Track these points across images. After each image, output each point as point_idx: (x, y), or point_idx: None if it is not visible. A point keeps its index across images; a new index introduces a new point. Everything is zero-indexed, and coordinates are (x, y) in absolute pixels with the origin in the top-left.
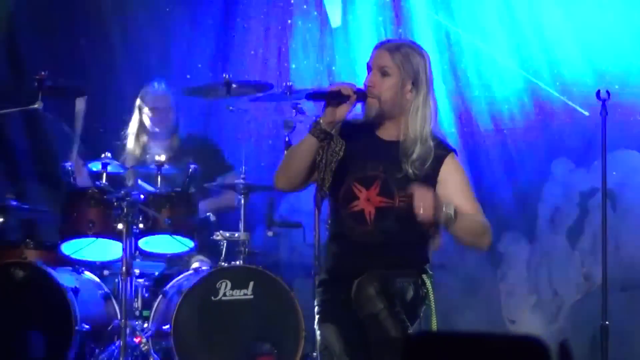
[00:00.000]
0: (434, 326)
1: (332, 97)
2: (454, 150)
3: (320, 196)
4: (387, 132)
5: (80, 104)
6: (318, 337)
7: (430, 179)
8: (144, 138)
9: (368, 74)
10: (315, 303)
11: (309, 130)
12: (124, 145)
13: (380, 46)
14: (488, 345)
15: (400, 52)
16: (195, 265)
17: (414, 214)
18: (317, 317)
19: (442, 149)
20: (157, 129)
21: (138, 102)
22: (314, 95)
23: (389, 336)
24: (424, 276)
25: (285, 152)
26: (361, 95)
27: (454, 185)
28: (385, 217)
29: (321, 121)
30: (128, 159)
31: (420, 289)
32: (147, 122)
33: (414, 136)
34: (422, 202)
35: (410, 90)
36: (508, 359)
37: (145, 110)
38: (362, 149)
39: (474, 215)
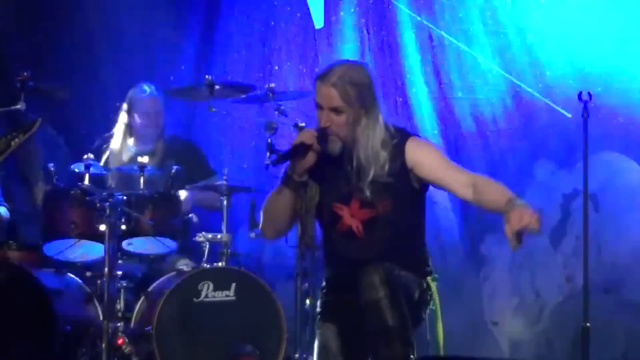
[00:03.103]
0: (440, 331)
1: (298, 152)
2: (411, 135)
3: (304, 243)
4: (347, 153)
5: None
6: (317, 337)
7: (399, 174)
8: (130, 140)
9: (317, 110)
10: (318, 305)
11: (283, 183)
12: (108, 146)
13: (323, 81)
14: None
15: (344, 83)
16: (176, 267)
17: (400, 214)
18: (317, 317)
19: (400, 143)
20: (145, 132)
21: (126, 105)
22: (280, 159)
23: (386, 324)
24: (429, 279)
25: (263, 206)
26: (322, 138)
27: (432, 163)
28: (374, 227)
29: (292, 175)
30: (112, 160)
31: (425, 292)
32: (136, 125)
33: (366, 158)
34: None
35: (363, 117)
36: None
37: (135, 114)
38: (332, 176)
39: (491, 182)
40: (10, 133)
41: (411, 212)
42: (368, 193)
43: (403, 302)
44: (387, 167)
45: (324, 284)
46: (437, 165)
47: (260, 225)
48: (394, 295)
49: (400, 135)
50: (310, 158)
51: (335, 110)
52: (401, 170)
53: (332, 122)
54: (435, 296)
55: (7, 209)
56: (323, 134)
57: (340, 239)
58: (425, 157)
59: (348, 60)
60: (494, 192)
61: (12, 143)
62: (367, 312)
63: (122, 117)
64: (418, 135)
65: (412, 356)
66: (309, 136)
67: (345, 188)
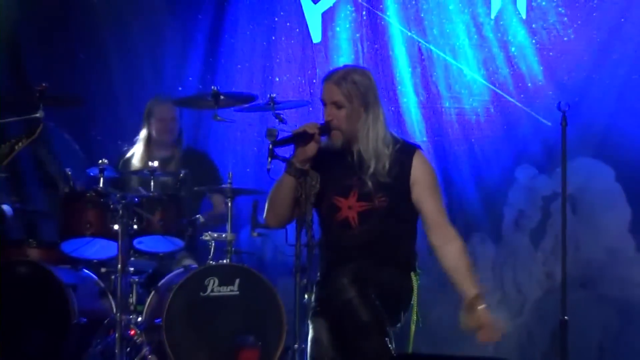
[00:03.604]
0: (413, 323)
1: (299, 139)
2: (418, 147)
3: (302, 224)
4: (348, 147)
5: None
6: (310, 331)
7: (400, 180)
8: (150, 147)
9: (324, 107)
10: (312, 300)
11: (285, 170)
12: (132, 152)
13: (327, 80)
14: None
15: (347, 83)
16: (183, 263)
17: (394, 212)
18: (310, 312)
19: (407, 151)
20: (162, 138)
21: (146, 114)
22: (281, 142)
23: (362, 320)
24: (412, 274)
25: (268, 195)
26: (325, 130)
27: (424, 188)
28: (368, 218)
29: (294, 161)
30: (133, 165)
31: (408, 286)
32: (153, 131)
33: (368, 154)
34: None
35: (363, 112)
36: None
37: (152, 121)
38: (335, 169)
39: (466, 265)
40: (14, 137)
41: (404, 213)
42: (370, 184)
43: (373, 298)
44: (387, 166)
45: (318, 278)
46: (430, 193)
47: (265, 214)
48: (363, 293)
49: (405, 144)
50: (312, 147)
51: (337, 105)
52: (403, 179)
53: (333, 115)
54: (415, 292)
55: (10, 206)
56: (326, 127)
57: (336, 229)
58: (424, 180)
59: (352, 65)
60: (460, 271)
61: (16, 147)
62: (343, 312)
63: (144, 126)
64: (421, 149)
65: (390, 345)
66: (311, 127)
67: (346, 181)
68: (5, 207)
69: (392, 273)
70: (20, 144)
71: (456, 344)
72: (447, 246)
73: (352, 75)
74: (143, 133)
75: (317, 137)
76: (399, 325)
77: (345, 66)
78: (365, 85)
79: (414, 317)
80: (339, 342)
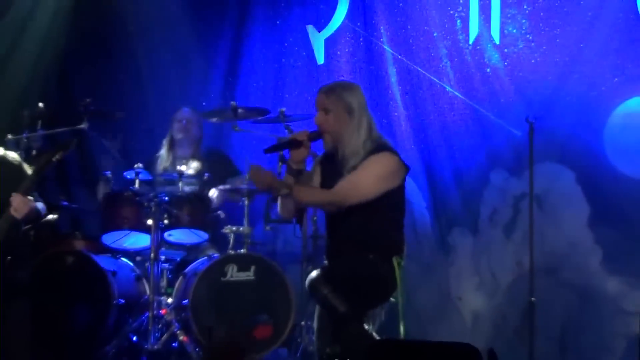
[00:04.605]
0: (400, 303)
1: (290, 145)
2: (386, 149)
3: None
4: (337, 150)
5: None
6: (317, 307)
7: None
8: (174, 147)
9: (317, 113)
10: None
11: (286, 172)
12: (160, 154)
13: (320, 91)
14: (434, 350)
15: (333, 92)
16: (206, 253)
17: (368, 205)
18: None
19: (372, 151)
20: (180, 137)
21: (171, 121)
22: (273, 149)
23: (339, 312)
24: (395, 260)
25: None
26: (315, 135)
27: (357, 170)
28: (350, 209)
29: (290, 163)
30: (160, 165)
31: (389, 269)
32: (174, 134)
33: (348, 153)
34: (254, 178)
35: (347, 118)
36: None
37: (174, 124)
38: (330, 167)
39: (321, 192)
40: (51, 150)
41: (377, 205)
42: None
43: (347, 290)
44: (359, 164)
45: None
46: (351, 175)
47: (278, 209)
48: (335, 288)
49: (377, 146)
50: (303, 151)
51: (325, 110)
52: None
53: (322, 120)
54: (397, 274)
55: (44, 205)
56: (316, 133)
57: (329, 217)
58: (365, 164)
59: (342, 80)
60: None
61: (53, 158)
62: (323, 305)
63: (169, 132)
64: (392, 151)
65: (367, 327)
66: (300, 134)
67: (334, 178)
68: (39, 205)
69: (370, 260)
70: (57, 156)
71: (439, 323)
72: None
73: (339, 87)
74: (167, 138)
75: (307, 142)
76: (385, 304)
77: (335, 81)
78: (350, 96)
79: (400, 299)
80: (322, 332)
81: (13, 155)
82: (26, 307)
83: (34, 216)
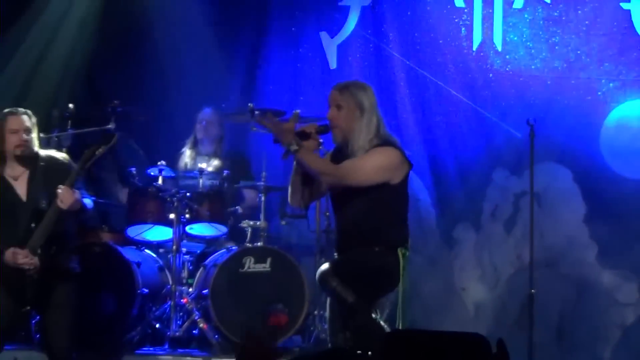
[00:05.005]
0: (401, 293)
1: (299, 137)
2: (386, 145)
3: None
4: (347, 145)
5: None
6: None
7: None
8: (196, 145)
9: (329, 109)
10: None
11: (295, 163)
12: (182, 152)
13: (334, 88)
14: (446, 340)
15: (347, 90)
16: (225, 245)
17: (372, 197)
18: None
19: (380, 145)
20: (202, 136)
21: (195, 121)
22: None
23: (348, 302)
24: (399, 251)
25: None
26: (324, 129)
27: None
28: (355, 202)
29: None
30: (182, 163)
31: (394, 259)
32: (197, 132)
33: (358, 147)
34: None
35: (357, 115)
36: (461, 350)
37: (197, 124)
38: (339, 161)
39: (324, 161)
40: (94, 145)
41: (382, 197)
42: None
43: (354, 282)
44: None
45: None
46: (356, 158)
47: (289, 199)
48: (344, 280)
49: (383, 142)
50: (311, 143)
51: (338, 107)
52: None
53: (334, 115)
54: (402, 265)
55: (92, 200)
56: (325, 127)
57: (336, 210)
58: (362, 155)
59: (357, 81)
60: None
61: (96, 153)
62: (332, 298)
63: (193, 131)
64: (396, 147)
65: (374, 315)
66: (309, 127)
67: None
68: (87, 202)
69: (376, 252)
70: (100, 150)
71: (444, 312)
72: None
73: (352, 86)
74: (191, 137)
75: (314, 135)
76: (390, 293)
77: (350, 80)
78: (362, 94)
79: (401, 288)
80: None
81: (60, 154)
82: (74, 294)
83: (79, 208)
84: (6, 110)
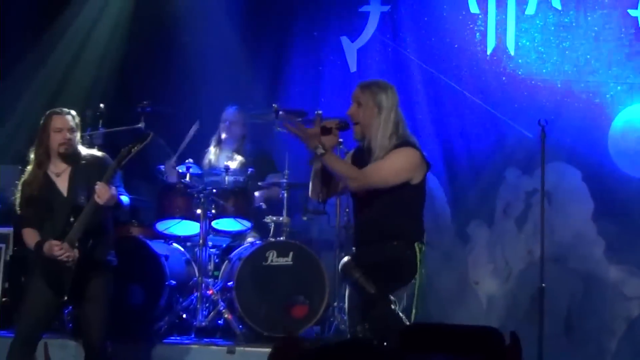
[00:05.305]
0: (417, 286)
1: (320, 131)
2: (406, 146)
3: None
4: (365, 142)
5: (193, 129)
6: (347, 289)
7: None
8: (221, 144)
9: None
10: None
11: (316, 157)
12: (208, 150)
13: (357, 86)
14: (460, 333)
15: (368, 89)
16: (249, 240)
17: (392, 194)
18: None
19: (399, 145)
20: (225, 135)
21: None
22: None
23: (369, 293)
24: (415, 244)
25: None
26: (344, 125)
27: (381, 160)
28: (374, 199)
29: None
30: (207, 160)
31: (411, 253)
32: (221, 131)
33: (374, 145)
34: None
35: (375, 113)
36: (476, 343)
37: (221, 124)
38: (360, 159)
39: (349, 166)
40: (130, 143)
41: (400, 194)
42: None
43: (375, 273)
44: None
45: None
46: (382, 160)
47: (309, 192)
48: (366, 272)
49: (402, 142)
50: (332, 139)
51: (358, 103)
52: None
53: (354, 111)
54: (418, 258)
55: (129, 198)
56: (345, 123)
57: (356, 206)
58: (385, 157)
59: (380, 80)
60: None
61: (132, 150)
62: (354, 289)
63: (218, 130)
64: (416, 147)
65: (393, 307)
66: (330, 122)
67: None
68: (124, 198)
69: (395, 246)
70: (135, 148)
71: (458, 305)
72: None
73: (374, 85)
74: (216, 136)
75: (335, 130)
76: (407, 285)
77: (374, 79)
78: (382, 94)
79: (419, 281)
80: (351, 312)
81: (99, 152)
82: (110, 287)
83: (115, 203)
84: (51, 110)
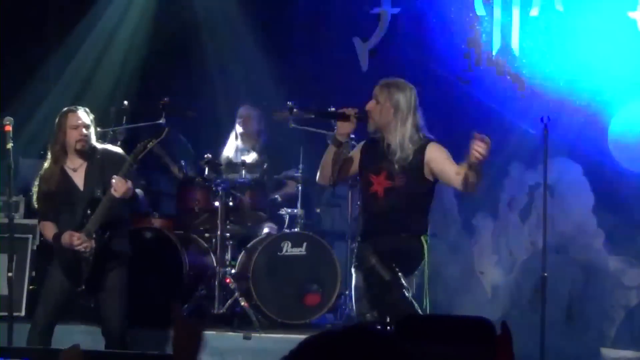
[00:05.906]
0: (426, 276)
1: (338, 116)
2: (432, 140)
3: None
4: (383, 139)
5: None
6: (353, 278)
7: (416, 166)
8: (237, 139)
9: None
10: (354, 255)
11: (331, 142)
12: (226, 145)
13: (380, 82)
14: (452, 324)
15: (387, 88)
16: (265, 230)
17: (409, 190)
18: (353, 263)
19: (423, 145)
20: (240, 131)
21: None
22: (322, 114)
23: (384, 280)
24: (422, 237)
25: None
26: (363, 116)
27: (441, 159)
28: (390, 193)
29: (335, 134)
30: (225, 155)
31: (420, 244)
32: (237, 127)
33: (394, 145)
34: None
35: (392, 113)
36: (467, 333)
37: (237, 120)
38: (373, 153)
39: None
40: (146, 138)
41: (417, 191)
42: (396, 167)
43: (390, 261)
44: (410, 156)
45: (357, 239)
46: (447, 160)
47: (317, 177)
48: (382, 260)
49: (424, 141)
50: (349, 126)
51: (376, 101)
52: (419, 163)
53: (372, 107)
54: (425, 250)
55: (142, 193)
56: (362, 115)
57: (368, 198)
58: (437, 154)
59: (400, 80)
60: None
61: (148, 145)
62: (370, 274)
63: (235, 127)
64: (434, 141)
65: (406, 293)
66: (350, 110)
67: (379, 163)
68: (138, 191)
69: (405, 237)
70: (151, 142)
71: (464, 294)
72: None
73: (393, 86)
74: (233, 132)
75: (353, 118)
76: (414, 274)
77: (396, 78)
78: (400, 95)
79: (427, 271)
80: (370, 292)
81: (115, 147)
82: (126, 276)
83: (131, 196)
84: (67, 108)
